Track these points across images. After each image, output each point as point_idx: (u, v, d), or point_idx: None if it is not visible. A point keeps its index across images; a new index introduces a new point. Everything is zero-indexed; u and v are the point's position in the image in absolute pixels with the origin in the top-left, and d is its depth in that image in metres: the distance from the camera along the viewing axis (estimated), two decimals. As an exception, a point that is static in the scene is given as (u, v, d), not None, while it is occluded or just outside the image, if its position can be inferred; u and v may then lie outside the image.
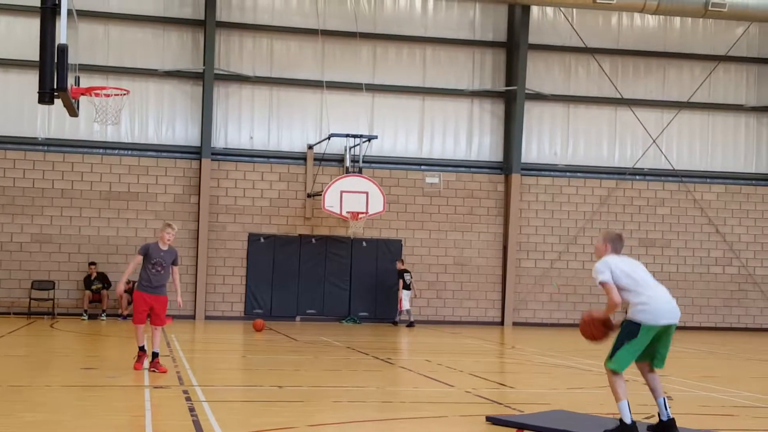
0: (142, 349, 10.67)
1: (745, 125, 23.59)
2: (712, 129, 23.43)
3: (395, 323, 20.84)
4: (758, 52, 23.53)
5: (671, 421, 6.99)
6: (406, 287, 20.54)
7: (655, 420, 7.27)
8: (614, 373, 6.90)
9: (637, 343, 6.89)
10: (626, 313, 7.06)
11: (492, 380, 10.98)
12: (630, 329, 6.91)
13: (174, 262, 10.58)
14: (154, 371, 10.30)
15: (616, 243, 7.21)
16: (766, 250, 23.32)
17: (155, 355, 10.57)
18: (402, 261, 21.09)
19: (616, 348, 6.95)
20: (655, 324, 6.88)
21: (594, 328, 7.12)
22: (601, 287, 6.99)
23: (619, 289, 6.93)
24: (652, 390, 7.12)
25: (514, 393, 9.88)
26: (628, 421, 6.83)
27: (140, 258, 10.47)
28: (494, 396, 9.31)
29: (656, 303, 6.91)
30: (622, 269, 7.00)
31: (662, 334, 6.99)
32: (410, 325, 20.51)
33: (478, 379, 10.74)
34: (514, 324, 21.98)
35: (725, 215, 23.20)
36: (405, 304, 20.53)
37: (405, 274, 20.66)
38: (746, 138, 23.58)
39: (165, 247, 10.48)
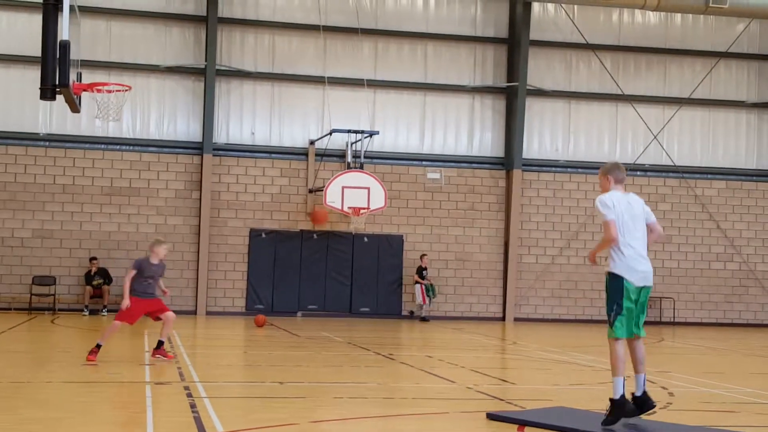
0: (99, 346, 11.00)
1: (746, 121, 23.57)
2: (713, 125, 23.42)
3: (413, 315, 21.23)
4: (759, 49, 23.50)
5: (645, 395, 7.01)
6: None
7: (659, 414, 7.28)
8: (616, 340, 6.95)
9: (627, 301, 6.93)
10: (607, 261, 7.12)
11: (493, 376, 10.99)
12: (616, 286, 6.97)
13: (162, 275, 11.33)
14: (158, 358, 10.93)
15: (616, 173, 7.27)
16: (766, 246, 23.33)
17: (161, 343, 11.11)
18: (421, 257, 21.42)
19: (610, 310, 7.00)
20: (633, 284, 6.96)
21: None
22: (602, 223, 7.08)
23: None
24: (636, 362, 7.10)
25: (516, 389, 9.89)
26: (617, 396, 6.91)
27: (134, 273, 11.07)
28: (495, 392, 9.32)
29: (635, 263, 6.97)
30: (622, 211, 7.06)
31: (637, 296, 7.04)
32: (423, 319, 21.07)
33: (480, 375, 10.75)
34: (516, 320, 22.00)
35: (726, 211, 23.20)
36: (419, 299, 21.15)
37: (423, 270, 21.20)
38: (747, 134, 23.57)
39: (156, 261, 11.17)
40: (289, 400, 8.38)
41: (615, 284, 7.01)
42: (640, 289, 7.04)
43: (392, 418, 7.69)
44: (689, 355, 14.71)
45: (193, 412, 7.45)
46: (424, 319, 21.05)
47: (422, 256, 21.36)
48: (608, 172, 7.30)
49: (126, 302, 10.91)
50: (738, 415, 8.27)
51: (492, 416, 7.52)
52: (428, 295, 21.06)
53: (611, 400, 6.95)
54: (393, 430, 7.21)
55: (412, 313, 21.37)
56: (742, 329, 22.20)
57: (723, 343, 17.60)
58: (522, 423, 7.18)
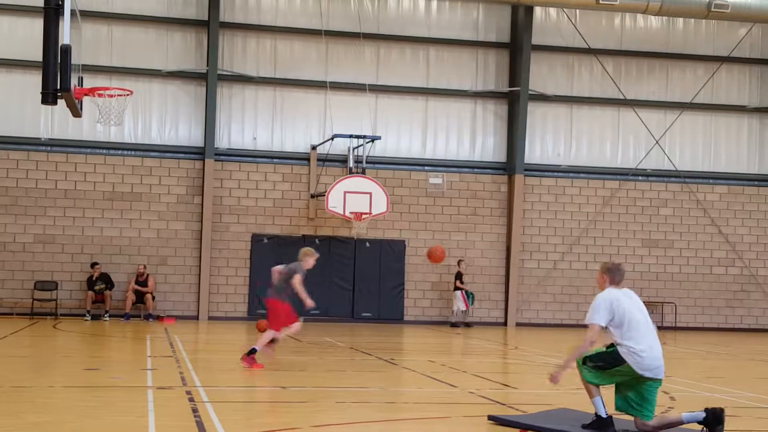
0: (254, 350, 11.54)
1: (747, 126, 23.56)
2: (715, 130, 23.41)
3: (453, 324, 21.08)
4: (761, 53, 23.50)
5: (710, 414, 6.80)
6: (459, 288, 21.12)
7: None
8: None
9: (613, 374, 6.88)
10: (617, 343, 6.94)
11: (495, 381, 10.97)
12: (613, 360, 6.86)
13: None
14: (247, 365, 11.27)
15: (614, 274, 7.07)
16: (768, 251, 23.32)
17: (253, 350, 11.51)
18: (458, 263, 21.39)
19: (593, 361, 6.92)
20: (640, 373, 6.82)
21: None
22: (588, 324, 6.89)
23: (616, 326, 6.87)
24: (671, 425, 6.94)
25: (517, 393, 9.88)
26: (603, 415, 6.91)
27: (301, 277, 11.69)
28: (497, 396, 9.31)
29: (651, 356, 6.81)
30: (623, 309, 6.88)
31: (645, 384, 6.87)
32: (468, 325, 21.07)
33: (482, 380, 10.74)
34: (518, 324, 21.97)
35: (728, 216, 23.18)
36: (461, 305, 21.02)
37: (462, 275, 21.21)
38: (749, 139, 23.56)
39: (305, 269, 11.90)
40: (292, 405, 8.38)
41: (614, 357, 6.87)
42: (648, 380, 6.86)
43: (394, 423, 7.68)
44: (691, 360, 14.68)
45: (195, 416, 7.44)
46: (468, 325, 21.03)
47: (459, 262, 21.35)
48: (606, 272, 7.08)
49: (310, 301, 11.58)
50: (740, 419, 8.26)
51: (494, 419, 7.51)
52: (469, 303, 21.04)
53: (597, 415, 6.93)
54: (395, 435, 7.21)
55: (453, 324, 21.05)
56: (743, 334, 22.16)
57: (725, 347, 17.58)
58: (524, 427, 7.17)
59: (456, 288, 21.05)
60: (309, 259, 11.80)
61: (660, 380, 6.94)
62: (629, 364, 6.82)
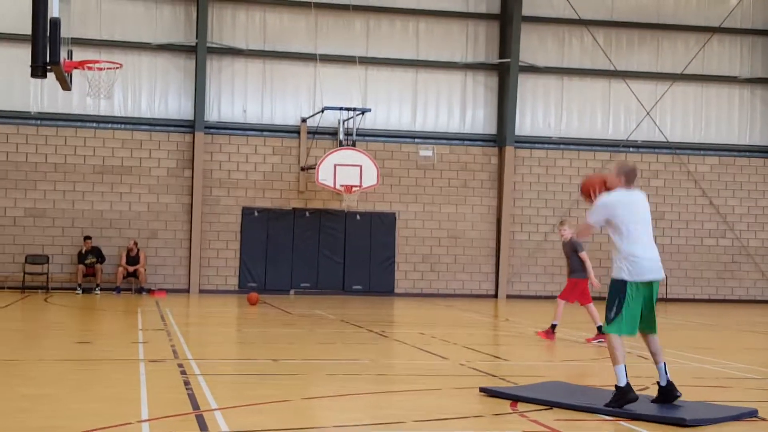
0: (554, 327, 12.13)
1: (738, 97, 23.55)
2: (706, 101, 23.39)
3: None
4: (752, 24, 23.43)
5: (670, 385, 6.97)
6: None
7: (651, 389, 7.32)
8: (613, 336, 6.90)
9: (629, 302, 6.88)
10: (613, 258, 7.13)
11: (486, 353, 11.03)
12: (617, 288, 6.94)
13: (574, 249, 12.26)
14: (599, 343, 11.46)
15: (630, 175, 7.19)
16: (759, 222, 23.40)
17: (600, 329, 11.49)
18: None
19: (609, 311, 6.97)
20: (638, 280, 6.90)
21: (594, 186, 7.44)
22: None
23: (615, 226, 7.01)
24: (652, 354, 7.08)
25: (508, 365, 9.94)
26: (622, 384, 6.82)
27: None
28: (488, 368, 9.36)
29: (640, 260, 6.91)
30: (623, 214, 6.98)
31: (645, 294, 6.97)
32: None
33: (472, 352, 10.80)
34: (508, 297, 22.06)
35: (719, 187, 23.24)
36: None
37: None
38: (740, 110, 23.55)
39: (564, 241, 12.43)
40: (283, 377, 8.41)
41: (617, 287, 6.96)
42: (648, 284, 6.95)
43: (385, 395, 7.72)
44: (682, 331, 14.80)
45: (187, 389, 7.47)
46: None
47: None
48: (622, 173, 7.22)
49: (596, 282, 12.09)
50: (730, 390, 8.33)
51: (485, 391, 7.55)
52: None
53: (617, 387, 6.87)
54: (386, 407, 7.24)
55: None
56: (734, 305, 22.32)
57: (715, 319, 17.71)
58: (515, 399, 7.21)
59: None
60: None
61: (657, 281, 7.02)
62: (628, 281, 6.87)
